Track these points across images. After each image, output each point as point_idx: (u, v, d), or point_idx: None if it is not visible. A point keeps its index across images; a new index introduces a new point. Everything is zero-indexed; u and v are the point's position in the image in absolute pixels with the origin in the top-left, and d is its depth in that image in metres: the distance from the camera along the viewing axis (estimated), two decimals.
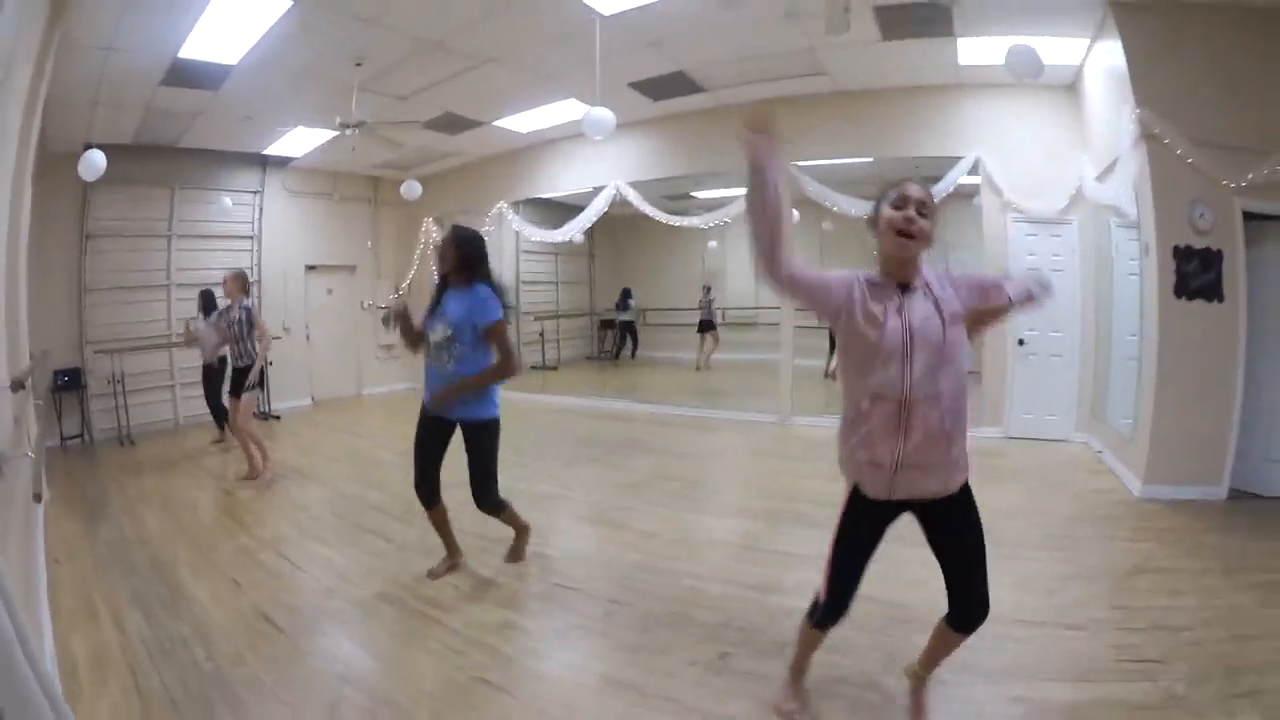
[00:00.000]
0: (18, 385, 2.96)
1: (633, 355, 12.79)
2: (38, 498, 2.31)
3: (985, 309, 1.83)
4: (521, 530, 3.44)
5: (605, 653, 2.66)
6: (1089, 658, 2.47)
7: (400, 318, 3.20)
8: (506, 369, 3.06)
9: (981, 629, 1.91)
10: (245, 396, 5.21)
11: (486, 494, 3.20)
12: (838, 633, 2.19)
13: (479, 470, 3.15)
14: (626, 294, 12.48)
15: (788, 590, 3.08)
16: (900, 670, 2.35)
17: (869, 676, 2.37)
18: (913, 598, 2.81)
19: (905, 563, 2.79)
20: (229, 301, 5.31)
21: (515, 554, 3.44)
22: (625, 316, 12.48)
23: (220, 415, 6.53)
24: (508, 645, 2.68)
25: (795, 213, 7.46)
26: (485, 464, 3.17)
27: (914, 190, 1.78)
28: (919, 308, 1.76)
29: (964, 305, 1.78)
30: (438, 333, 3.07)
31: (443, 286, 3.17)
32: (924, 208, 1.77)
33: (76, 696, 2.27)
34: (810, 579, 3.11)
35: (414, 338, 3.24)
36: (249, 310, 5.25)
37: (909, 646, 2.49)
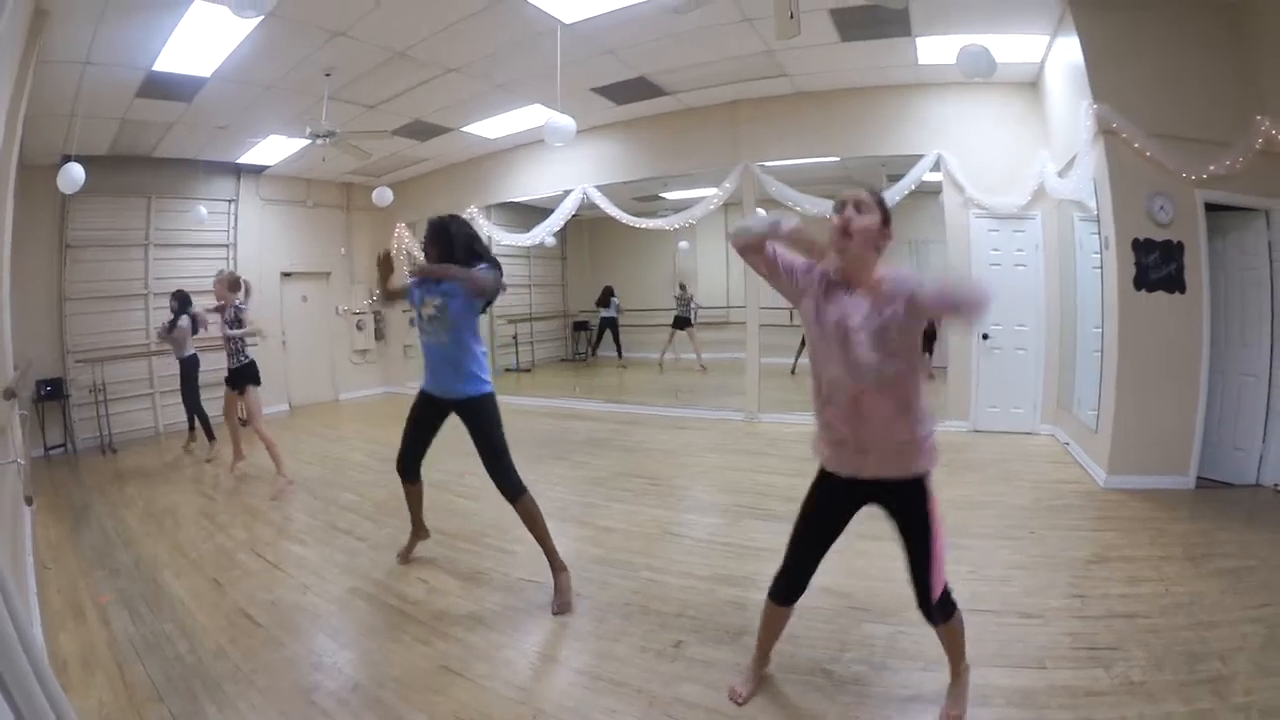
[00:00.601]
0: (10, 394, 3.05)
1: (619, 356, 12.54)
2: (29, 500, 2.42)
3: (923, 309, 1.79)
4: (556, 567, 3.06)
5: (561, 641, 2.77)
6: (1043, 645, 2.48)
7: (386, 264, 3.30)
8: (474, 280, 2.88)
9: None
10: (250, 392, 5.29)
11: (504, 475, 3.04)
12: (793, 623, 2.30)
13: (488, 450, 3.05)
14: (609, 292, 12.36)
15: (744, 582, 3.15)
16: (849, 658, 2.47)
17: (819, 664, 2.44)
18: (863, 588, 2.94)
19: (860, 554, 2.97)
20: (221, 303, 5.41)
21: (561, 602, 2.97)
22: (607, 313, 12.36)
23: (202, 419, 6.53)
24: (471, 635, 2.78)
25: (761, 212, 7.49)
26: (491, 441, 3.05)
27: (850, 192, 1.89)
28: (860, 306, 1.84)
29: (906, 305, 1.78)
30: (428, 305, 3.05)
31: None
32: (860, 205, 1.86)
33: (65, 690, 2.33)
34: (768, 571, 3.26)
35: (390, 292, 3.35)
36: (239, 309, 5.34)
37: (859, 635, 2.63)
